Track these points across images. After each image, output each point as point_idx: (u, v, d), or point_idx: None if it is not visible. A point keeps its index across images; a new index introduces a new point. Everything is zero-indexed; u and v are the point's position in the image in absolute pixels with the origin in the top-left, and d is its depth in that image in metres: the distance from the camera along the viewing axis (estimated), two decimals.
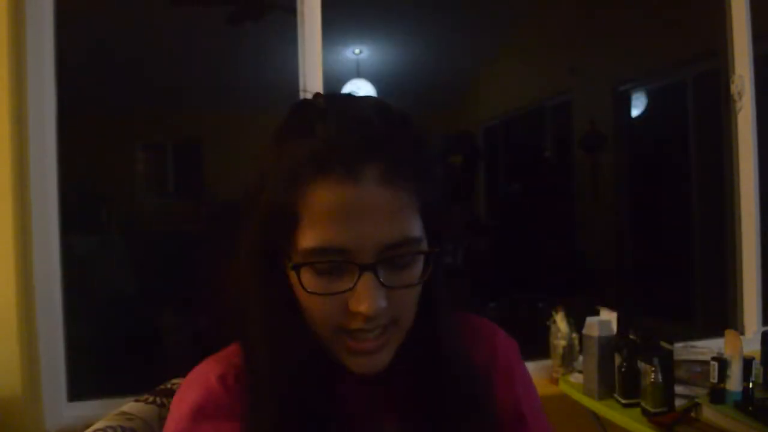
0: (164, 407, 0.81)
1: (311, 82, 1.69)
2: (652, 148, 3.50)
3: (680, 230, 3.25)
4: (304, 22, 1.71)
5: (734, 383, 1.27)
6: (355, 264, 0.53)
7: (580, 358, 1.63)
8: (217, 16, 2.61)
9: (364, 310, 0.53)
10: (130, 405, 0.81)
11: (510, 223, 3.89)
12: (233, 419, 0.58)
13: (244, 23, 2.72)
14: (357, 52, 3.93)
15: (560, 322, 1.73)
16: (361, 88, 3.61)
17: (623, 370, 1.42)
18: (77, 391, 1.57)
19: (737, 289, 2.09)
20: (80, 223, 2.27)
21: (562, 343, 1.72)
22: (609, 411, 1.42)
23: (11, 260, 1.42)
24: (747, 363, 1.28)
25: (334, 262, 0.54)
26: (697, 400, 1.30)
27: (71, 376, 1.55)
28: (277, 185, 0.55)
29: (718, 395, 1.27)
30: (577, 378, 1.64)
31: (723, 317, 2.18)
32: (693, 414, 1.27)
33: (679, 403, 1.33)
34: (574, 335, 1.71)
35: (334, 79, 3.11)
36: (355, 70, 3.93)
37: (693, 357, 1.52)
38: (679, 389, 1.37)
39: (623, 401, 1.41)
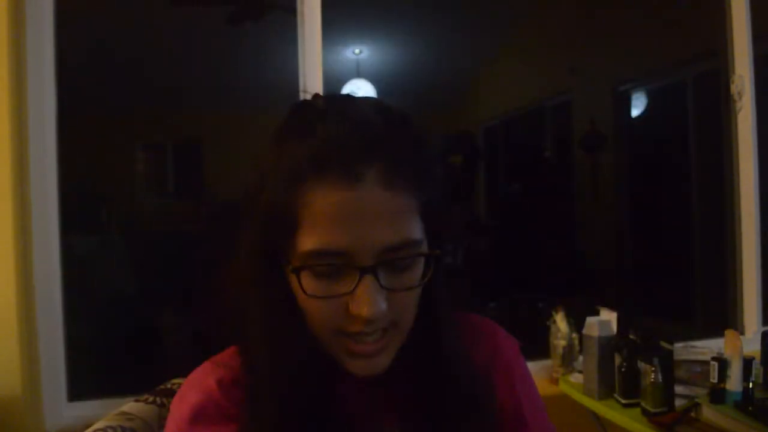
0: (164, 407, 0.81)
1: (311, 82, 1.69)
2: (652, 148, 3.49)
3: (680, 230, 3.25)
4: (304, 22, 1.71)
5: (734, 383, 1.27)
6: (355, 267, 0.53)
7: (580, 358, 1.63)
8: (217, 16, 2.61)
9: (365, 313, 0.53)
10: (130, 405, 0.81)
11: (510, 223, 3.88)
12: (232, 422, 0.58)
13: (244, 23, 2.72)
14: (357, 52, 3.93)
15: (560, 322, 1.73)
16: (361, 88, 3.59)
17: (623, 370, 1.42)
18: (77, 391, 1.57)
19: (737, 289, 2.09)
20: (80, 223, 2.27)
21: (562, 343, 1.72)
22: (609, 411, 1.42)
23: (11, 260, 1.42)
24: (747, 363, 1.28)
25: (334, 264, 0.53)
26: (697, 400, 1.30)
27: (71, 376, 1.55)
28: (277, 186, 0.55)
29: (718, 395, 1.27)
30: (577, 378, 1.64)
31: (723, 317, 2.18)
32: (693, 414, 1.27)
33: (679, 403, 1.33)
34: (574, 335, 1.71)
35: (334, 79, 3.11)
36: (355, 70, 3.92)
37: (693, 357, 1.53)
38: (679, 389, 1.37)
39: (623, 401, 1.41)
